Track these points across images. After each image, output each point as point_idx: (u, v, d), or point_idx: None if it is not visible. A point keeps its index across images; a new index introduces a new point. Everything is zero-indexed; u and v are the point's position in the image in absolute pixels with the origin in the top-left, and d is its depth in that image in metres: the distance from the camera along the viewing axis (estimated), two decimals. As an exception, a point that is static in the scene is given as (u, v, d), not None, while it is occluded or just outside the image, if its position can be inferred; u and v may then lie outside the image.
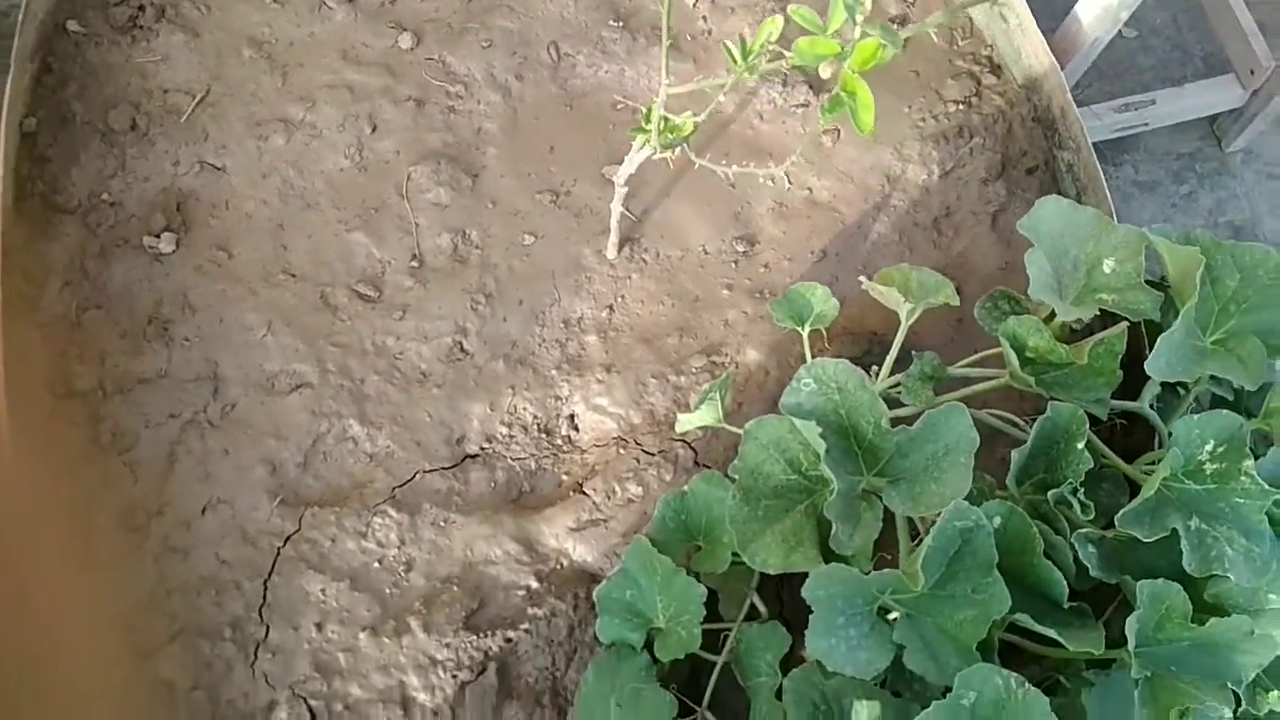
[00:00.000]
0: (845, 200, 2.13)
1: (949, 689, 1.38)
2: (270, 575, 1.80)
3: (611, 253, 2.04)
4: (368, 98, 2.14)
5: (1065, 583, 1.49)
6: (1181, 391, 1.83)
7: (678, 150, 1.57)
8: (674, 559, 1.71)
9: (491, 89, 2.16)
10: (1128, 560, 1.57)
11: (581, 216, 2.07)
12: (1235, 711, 1.95)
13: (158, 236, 1.98)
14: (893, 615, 1.49)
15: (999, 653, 1.70)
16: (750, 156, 2.13)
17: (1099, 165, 1.96)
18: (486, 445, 1.94)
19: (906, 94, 2.22)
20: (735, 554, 1.67)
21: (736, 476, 1.60)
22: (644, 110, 1.47)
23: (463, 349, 1.97)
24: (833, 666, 1.45)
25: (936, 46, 2.29)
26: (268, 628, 1.77)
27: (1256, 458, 1.58)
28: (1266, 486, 1.49)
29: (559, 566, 1.87)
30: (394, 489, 1.88)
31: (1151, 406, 1.75)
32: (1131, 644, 1.46)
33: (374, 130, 2.12)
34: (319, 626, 1.78)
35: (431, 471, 1.90)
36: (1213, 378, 1.81)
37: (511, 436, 1.94)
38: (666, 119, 1.44)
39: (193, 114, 2.11)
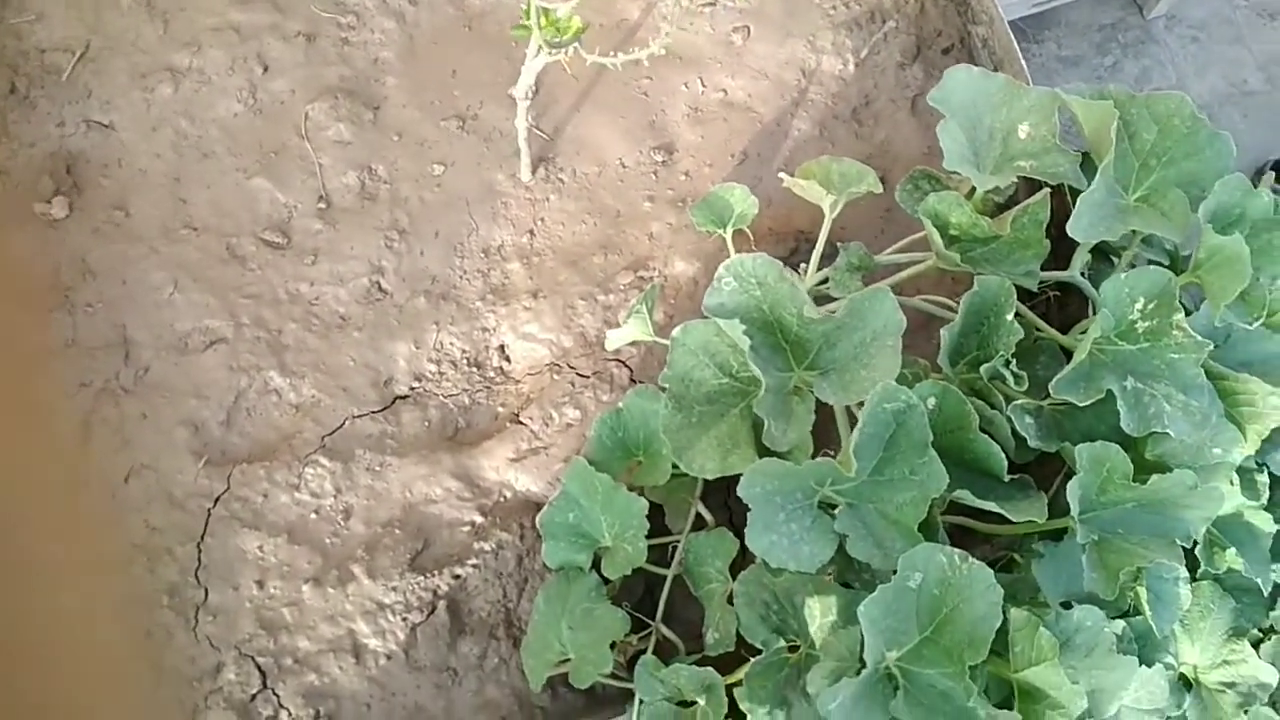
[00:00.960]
0: (761, 99, 2.07)
1: (896, 573, 1.36)
2: (203, 537, 1.74)
3: (526, 175, 1.97)
4: (255, 37, 2.04)
5: (1004, 456, 1.47)
6: (1115, 260, 1.81)
7: (570, 52, 1.50)
8: (614, 477, 1.67)
9: (385, 16, 2.07)
10: (1067, 428, 1.55)
11: (491, 140, 2.00)
12: (1195, 573, 1.96)
13: (49, 202, 1.89)
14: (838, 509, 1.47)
15: (951, 536, 1.69)
16: (660, 63, 2.05)
17: (1013, 37, 1.91)
18: (416, 384, 1.88)
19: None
20: (675, 465, 1.64)
21: (667, 386, 1.56)
22: (523, 8, 1.39)
23: (381, 288, 1.91)
24: (776, 563, 1.42)
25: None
26: (206, 590, 1.72)
27: (1189, 314, 1.56)
28: (1200, 339, 1.46)
29: (502, 499, 1.83)
30: (324, 438, 1.82)
31: (1083, 275, 1.72)
32: (1075, 510, 1.44)
33: (265, 71, 2.02)
34: (260, 584, 1.73)
35: (361, 417, 1.85)
36: (1144, 242, 1.79)
37: (441, 373, 1.89)
38: (546, 12, 1.37)
39: (73, 72, 2.00)
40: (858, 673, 1.36)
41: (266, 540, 1.75)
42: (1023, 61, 1.87)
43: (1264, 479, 1.76)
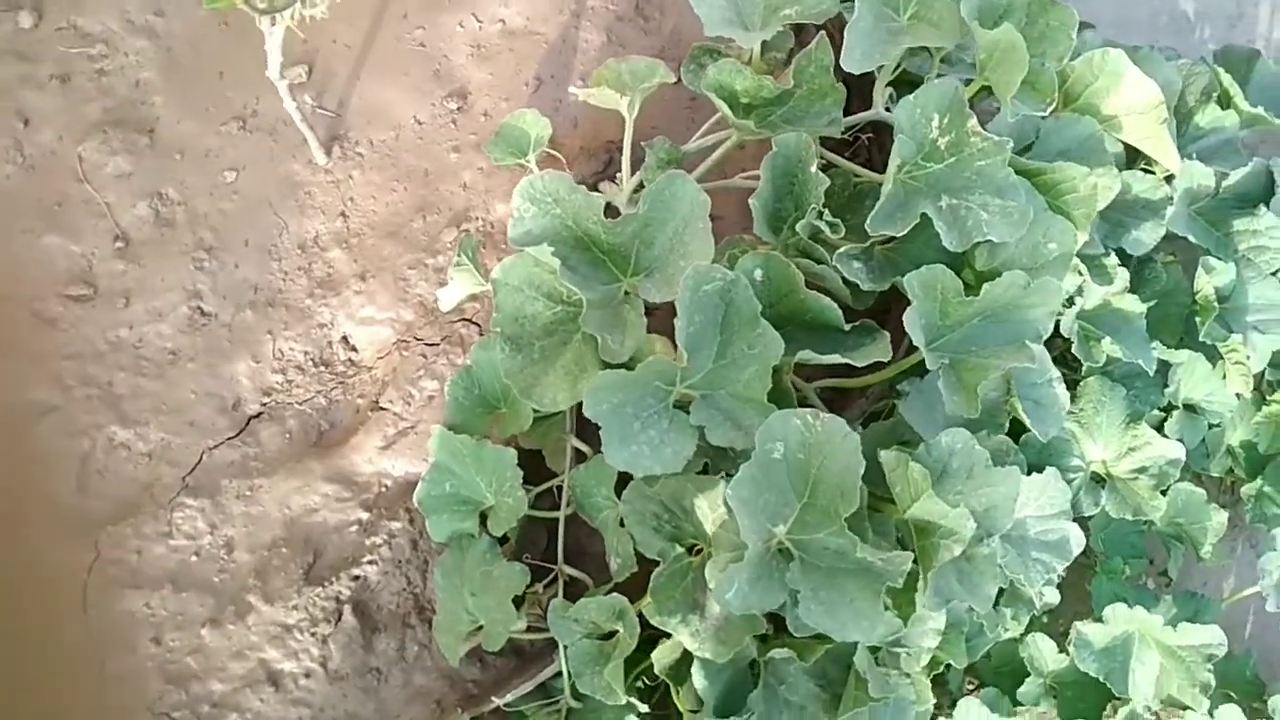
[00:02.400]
0: (541, 19, 2.00)
1: (755, 449, 1.33)
2: (85, 610, 1.68)
3: (321, 158, 1.89)
4: (7, 93, 1.92)
5: (838, 307, 1.45)
6: (922, 86, 1.78)
7: (295, 16, 1.43)
8: (482, 435, 1.64)
9: (135, 36, 1.96)
10: (900, 264, 1.53)
11: (277, 133, 1.91)
12: (1080, 371, 1.97)
13: None
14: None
15: (826, 401, 1.67)
16: (429, 8, 1.97)
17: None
18: (266, 399, 1.82)
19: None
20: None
21: (499, 329, 1.51)
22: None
23: (203, 312, 1.83)
24: (641, 471, 1.40)
25: None
26: (102, 662, 1.66)
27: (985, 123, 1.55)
28: (999, 139, 1.45)
29: (383, 489, 1.78)
30: (184, 478, 1.76)
31: (888, 110, 1.69)
32: (920, 339, 1.43)
33: (27, 124, 1.91)
34: (156, 640, 1.67)
35: (217, 446, 1.78)
36: (945, 61, 1.75)
37: (290, 382, 1.83)
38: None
39: None
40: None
41: (151, 595, 1.69)
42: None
43: (1113, 261, 1.76)
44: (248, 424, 1.80)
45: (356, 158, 1.92)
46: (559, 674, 1.63)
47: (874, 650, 1.55)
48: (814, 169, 1.49)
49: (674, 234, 1.45)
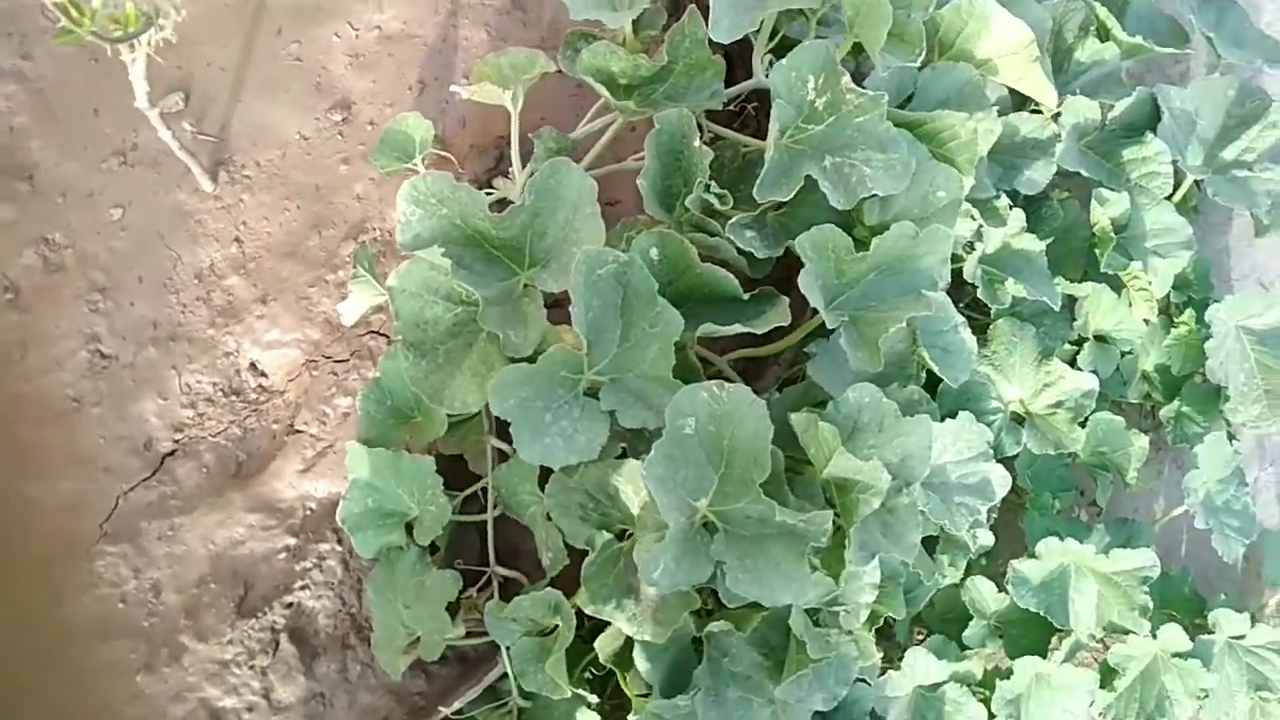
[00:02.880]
0: (419, 21, 1.98)
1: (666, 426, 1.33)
2: (13, 667, 1.63)
3: (208, 185, 1.85)
4: (-126, 152, 1.86)
5: (735, 278, 1.45)
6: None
7: (152, 43, 1.39)
8: (399, 445, 1.62)
9: (4, 81, 1.90)
10: (792, 228, 1.54)
11: (160, 164, 1.87)
12: (990, 315, 1.99)
13: None
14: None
15: (741, 373, 1.68)
16: (303, 21, 1.94)
17: None
18: (179, 436, 1.78)
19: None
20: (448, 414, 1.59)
21: (401, 337, 1.49)
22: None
23: (103, 355, 1.79)
24: (558, 463, 1.39)
25: None
26: (36, 722, 1.62)
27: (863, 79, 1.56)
28: (873, 93, 1.45)
29: (308, 512, 1.76)
30: (102, 525, 1.72)
31: (768, 77, 1.70)
32: (819, 299, 1.44)
33: (-103, 187, 1.85)
34: (88, 692, 1.63)
35: (133, 489, 1.74)
36: (822, 23, 1.76)
37: (201, 415, 1.79)
38: (77, 6, 1.26)
39: None
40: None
41: (80, 648, 1.64)
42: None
43: (1004, 203, 1.79)
44: (162, 463, 1.77)
45: (244, 180, 1.88)
46: (504, 675, 1.62)
47: (813, 612, 1.57)
48: (697, 144, 1.49)
49: (565, 222, 1.45)
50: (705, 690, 1.53)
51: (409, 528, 1.62)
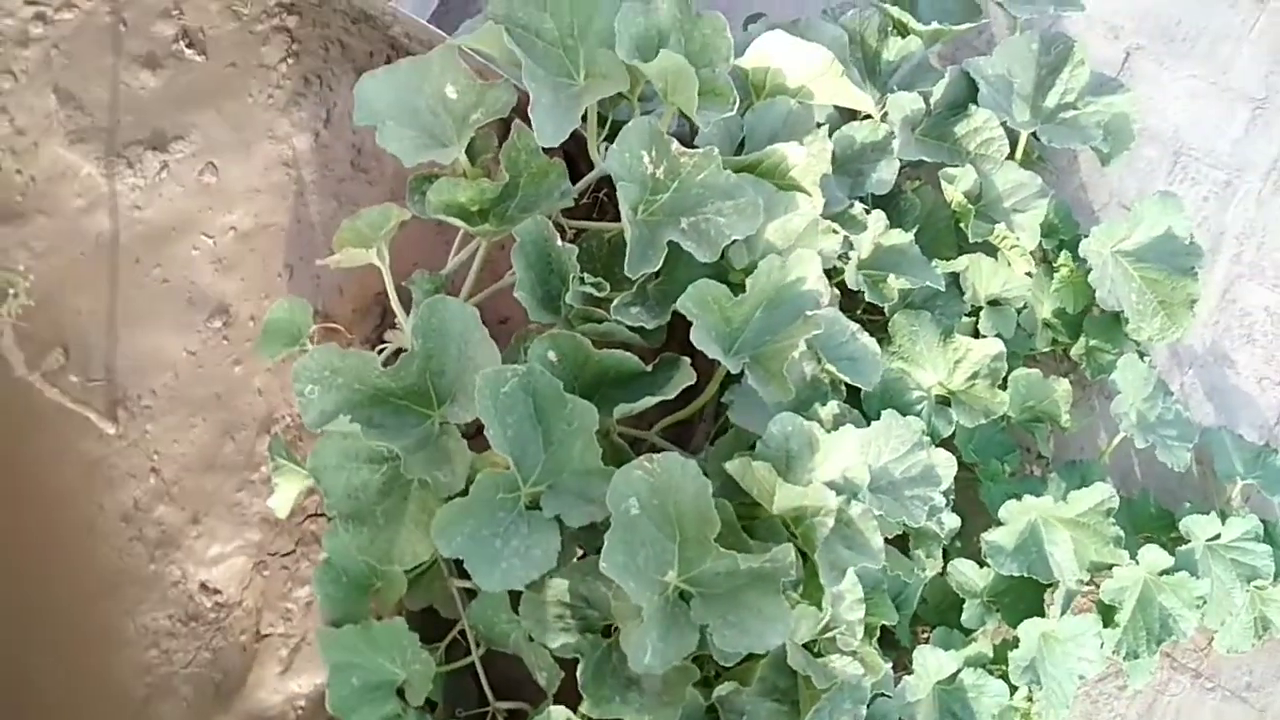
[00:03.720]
0: (270, 210, 2.02)
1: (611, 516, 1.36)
2: None
3: (109, 427, 1.85)
4: None
5: (633, 356, 1.50)
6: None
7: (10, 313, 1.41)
8: (366, 618, 1.61)
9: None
10: (672, 292, 1.59)
11: (56, 422, 1.87)
12: (888, 312, 2.06)
13: None
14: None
15: (675, 441, 1.71)
16: (159, 244, 1.97)
17: (421, 17, 1.94)
18: (150, 678, 1.75)
19: (246, 100, 2.11)
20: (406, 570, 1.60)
21: (335, 512, 1.50)
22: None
23: (51, 624, 1.76)
24: (521, 584, 1.40)
25: (238, 21, 2.18)
26: None
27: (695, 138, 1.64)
28: (705, 149, 1.53)
29: (298, 712, 1.73)
30: (96, 793, 1.67)
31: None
32: (716, 350, 1.49)
33: None
34: None
35: (118, 745, 1.70)
36: (643, 99, 1.85)
37: (166, 652, 1.77)
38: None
39: None
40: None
41: None
42: (440, 30, 1.90)
43: (860, 209, 1.87)
44: (140, 710, 1.73)
45: (145, 412, 1.89)
46: (540, 807, 1.60)
47: (811, 644, 1.58)
48: (560, 243, 1.55)
49: (458, 354, 1.48)
50: (737, 758, 1.53)
51: (400, 693, 1.60)
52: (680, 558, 1.39)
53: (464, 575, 1.67)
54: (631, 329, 1.54)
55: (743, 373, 1.51)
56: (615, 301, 1.54)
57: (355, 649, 1.57)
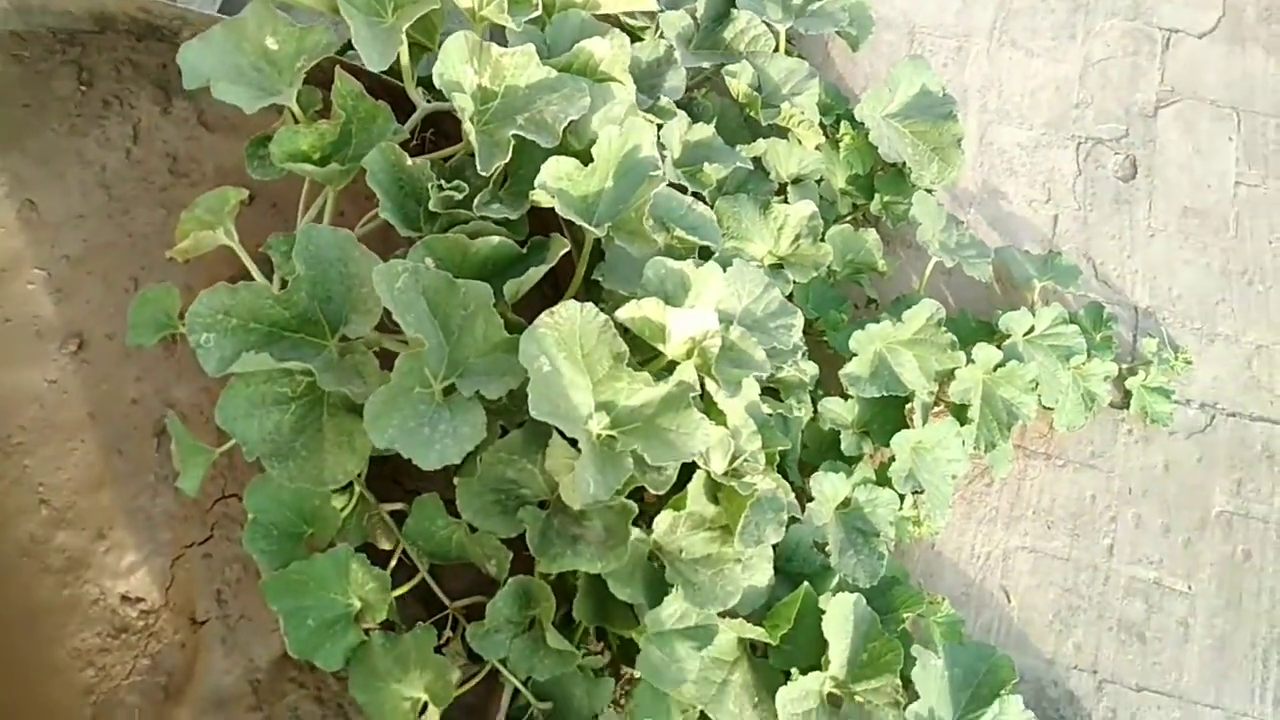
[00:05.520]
0: (97, 232, 2.01)
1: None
2: None
3: (-15, 469, 1.81)
4: None
5: (507, 239, 1.61)
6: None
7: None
8: (296, 555, 1.64)
9: None
10: (526, 180, 1.69)
11: (-74, 478, 1.81)
12: (710, 200, 2.23)
13: None
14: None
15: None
16: None
17: (210, 9, 2.00)
18: (93, 696, 1.71)
19: (49, 135, 2.10)
20: (344, 506, 1.65)
21: (257, 456, 1.54)
22: None
23: (-27, 671, 1.69)
24: (457, 457, 1.47)
25: (21, 64, 2.17)
26: None
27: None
28: (523, 48, 1.66)
29: (256, 682, 1.73)
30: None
31: (429, 101, 1.87)
32: (582, 221, 1.61)
33: None
34: None
35: (77, 768, 1.66)
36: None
37: (103, 669, 1.73)
38: None
39: None
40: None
41: None
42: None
43: (667, 101, 2.05)
44: (90, 727, 1.69)
45: (18, 449, 1.85)
46: (516, 693, 1.67)
47: (730, 472, 1.72)
48: (410, 162, 1.64)
49: (340, 276, 1.55)
50: (682, 585, 1.65)
51: (359, 620, 1.64)
52: (598, 401, 1.51)
53: (387, 499, 1.74)
54: (497, 223, 1.65)
55: (608, 239, 1.65)
56: (475, 200, 1.64)
57: (303, 590, 1.60)
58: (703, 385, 1.63)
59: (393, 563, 1.73)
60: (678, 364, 1.62)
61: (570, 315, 1.48)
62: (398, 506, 1.72)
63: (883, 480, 2.16)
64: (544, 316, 1.48)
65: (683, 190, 2.15)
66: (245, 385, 1.54)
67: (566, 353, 1.49)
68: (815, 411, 2.20)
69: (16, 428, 1.87)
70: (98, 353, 1.93)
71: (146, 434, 1.87)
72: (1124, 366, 2.43)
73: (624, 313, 1.57)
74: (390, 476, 1.83)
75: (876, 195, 2.48)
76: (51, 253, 1.99)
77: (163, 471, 1.84)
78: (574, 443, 1.50)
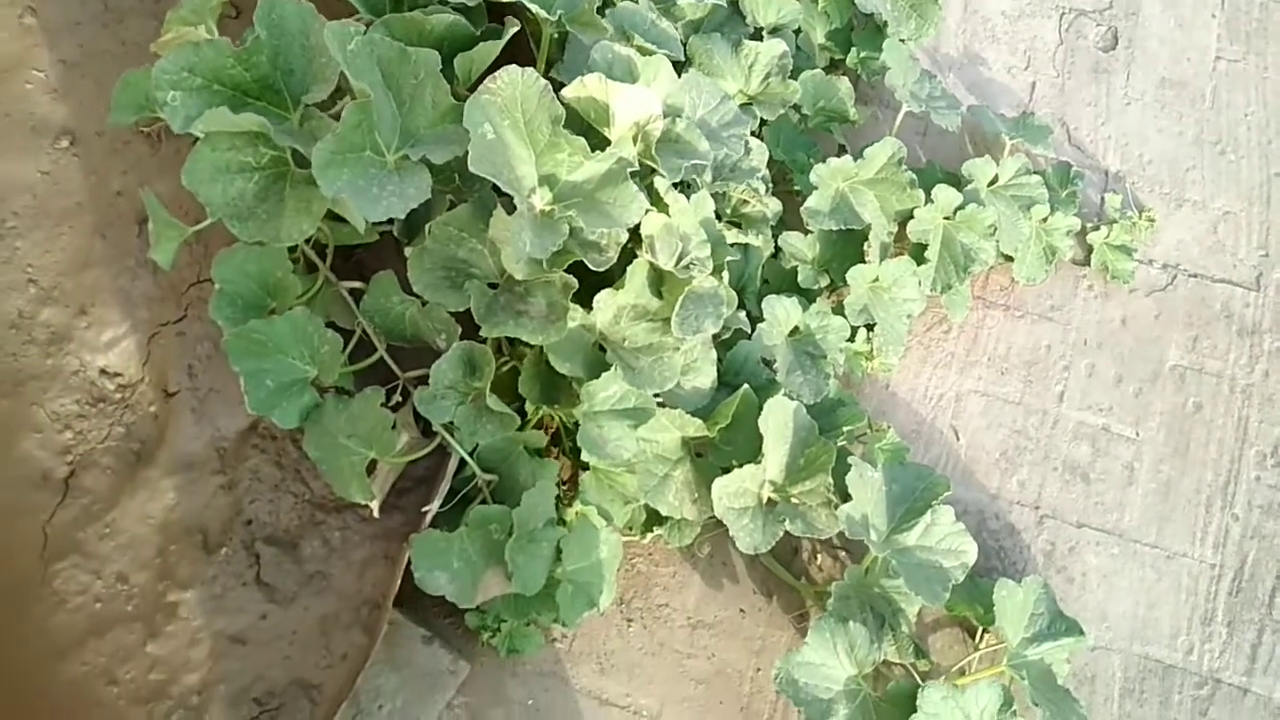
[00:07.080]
0: (92, 39, 2.11)
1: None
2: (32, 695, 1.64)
3: (-23, 245, 1.92)
4: None
5: (462, 19, 1.68)
6: None
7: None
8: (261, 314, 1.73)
9: None
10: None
11: (-78, 252, 1.92)
12: (684, 38, 2.28)
13: None
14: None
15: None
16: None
17: None
18: (70, 456, 1.83)
19: None
20: (295, 278, 1.73)
21: (221, 219, 1.63)
22: None
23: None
24: (401, 212, 1.55)
25: None
26: (76, 732, 1.64)
27: None
28: None
29: (221, 449, 1.85)
30: (42, 556, 1.75)
31: None
32: (541, 9, 1.68)
33: None
34: (113, 682, 1.66)
35: (53, 516, 1.78)
36: None
37: (80, 433, 1.85)
38: None
39: None
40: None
41: (81, 653, 1.67)
42: None
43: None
44: (67, 485, 1.81)
45: (10, 232, 1.96)
46: (463, 463, 1.76)
47: (679, 264, 1.79)
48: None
49: (302, 49, 1.62)
50: (622, 368, 1.74)
51: (314, 384, 1.73)
52: (539, 166, 1.59)
53: (345, 277, 1.83)
54: (455, 8, 1.72)
55: (566, 34, 1.71)
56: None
57: (262, 351, 1.68)
58: (651, 183, 1.70)
59: (353, 342, 1.83)
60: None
61: (511, 80, 1.56)
62: (357, 284, 1.81)
63: (839, 315, 2.22)
64: (486, 83, 1.55)
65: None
66: (210, 149, 1.63)
67: (510, 120, 1.57)
68: (777, 249, 2.26)
69: (10, 213, 1.97)
70: (88, 148, 2.03)
71: (129, 222, 1.98)
72: (1089, 225, 2.47)
73: (569, 91, 1.64)
74: (355, 271, 1.93)
75: (854, 49, 2.53)
76: (49, 56, 2.09)
77: (143, 256, 1.94)
78: (516, 211, 1.58)
